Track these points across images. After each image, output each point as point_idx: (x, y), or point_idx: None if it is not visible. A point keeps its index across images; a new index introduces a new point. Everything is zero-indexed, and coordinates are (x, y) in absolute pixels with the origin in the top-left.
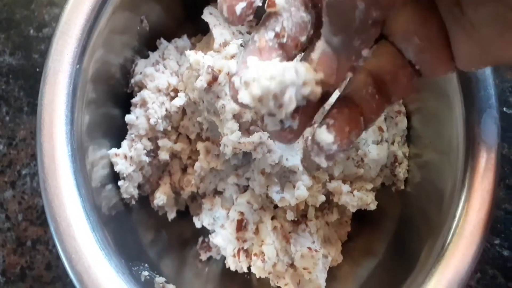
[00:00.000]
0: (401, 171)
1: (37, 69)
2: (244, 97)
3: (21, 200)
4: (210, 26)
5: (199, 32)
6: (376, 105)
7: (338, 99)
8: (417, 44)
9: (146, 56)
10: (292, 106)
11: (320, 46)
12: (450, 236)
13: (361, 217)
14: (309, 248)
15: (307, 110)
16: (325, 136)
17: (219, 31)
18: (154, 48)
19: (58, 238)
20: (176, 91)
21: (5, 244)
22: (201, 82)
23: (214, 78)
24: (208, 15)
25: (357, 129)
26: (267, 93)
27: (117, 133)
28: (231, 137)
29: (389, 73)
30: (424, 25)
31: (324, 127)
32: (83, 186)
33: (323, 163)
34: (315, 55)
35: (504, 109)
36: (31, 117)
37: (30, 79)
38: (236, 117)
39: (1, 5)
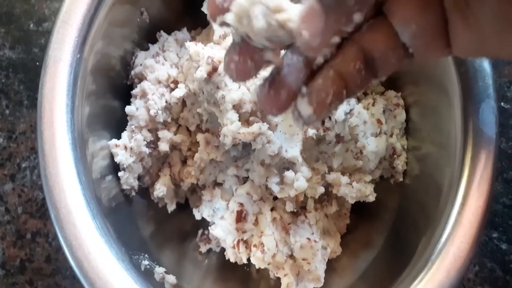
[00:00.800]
0: (400, 164)
1: (37, 63)
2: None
3: (20, 193)
4: None
5: (198, 25)
6: (361, 80)
7: (324, 69)
8: (414, 30)
9: (146, 49)
10: (260, 24)
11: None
12: (448, 227)
13: (360, 209)
14: (308, 239)
15: (291, 71)
16: (305, 108)
17: None
18: (154, 41)
19: (59, 225)
20: (176, 82)
21: (4, 237)
22: (201, 72)
23: (214, 69)
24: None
25: (338, 101)
26: (241, 10)
27: (117, 124)
28: (231, 127)
29: (380, 52)
30: (424, 12)
31: (305, 99)
32: (84, 174)
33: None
34: (299, 7)
35: (502, 104)
36: (31, 110)
37: (30, 73)
38: (236, 107)
39: (1, 0)
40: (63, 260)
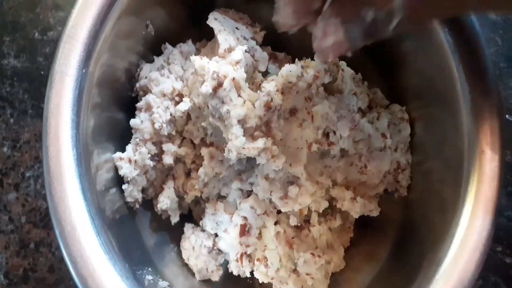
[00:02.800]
0: (404, 178)
1: (42, 72)
2: None
3: (24, 202)
4: (215, 32)
5: (203, 37)
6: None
7: None
8: None
9: (151, 61)
10: None
11: None
12: (453, 244)
13: (363, 223)
14: (312, 254)
15: None
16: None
17: (223, 37)
18: (159, 53)
19: (63, 242)
20: (180, 95)
21: (8, 246)
22: (206, 87)
23: (219, 84)
24: (213, 20)
25: None
26: None
27: (121, 137)
28: (236, 142)
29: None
30: None
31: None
32: (88, 190)
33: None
34: None
35: (507, 116)
36: (35, 119)
37: (35, 82)
38: (241, 122)
39: (7, 8)
40: (66, 270)
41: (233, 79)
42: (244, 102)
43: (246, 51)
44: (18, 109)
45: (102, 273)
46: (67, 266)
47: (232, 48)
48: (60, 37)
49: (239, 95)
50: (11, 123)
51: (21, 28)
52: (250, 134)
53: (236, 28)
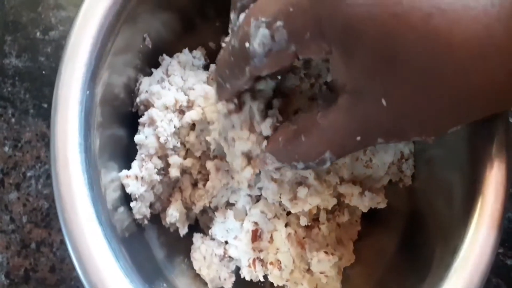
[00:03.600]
0: (408, 167)
1: (43, 72)
2: None
3: (25, 202)
4: None
5: (198, 44)
6: None
7: None
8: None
9: (148, 74)
10: None
11: None
12: (468, 233)
13: (370, 215)
14: (326, 252)
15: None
16: None
17: None
18: (156, 65)
19: (82, 269)
20: (182, 112)
21: (9, 246)
22: (223, 106)
23: (237, 109)
24: None
25: None
26: None
27: (125, 154)
28: (244, 174)
29: None
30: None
31: None
32: (102, 213)
33: None
34: None
35: (511, 119)
36: (36, 119)
37: (36, 82)
38: (245, 155)
39: (8, 8)
40: (68, 270)
41: (250, 107)
42: (248, 136)
43: None
44: (19, 108)
45: None
46: (68, 266)
47: None
48: (61, 59)
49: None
50: (13, 122)
51: (23, 27)
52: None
53: None
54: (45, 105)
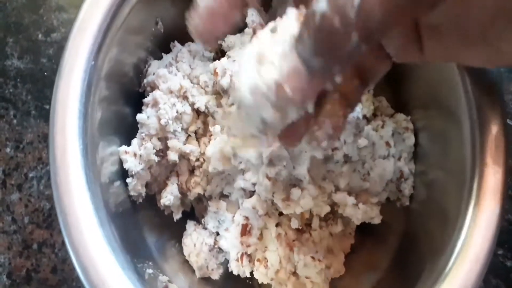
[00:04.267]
0: (407, 188)
1: (45, 73)
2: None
3: (27, 203)
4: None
5: None
6: (358, 93)
7: (327, 95)
8: (399, 45)
9: (159, 57)
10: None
11: (290, 58)
12: (453, 257)
13: (364, 229)
14: (313, 258)
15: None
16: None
17: None
18: (168, 50)
19: (66, 231)
20: (185, 98)
21: (11, 247)
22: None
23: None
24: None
25: (345, 120)
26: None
27: (127, 131)
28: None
29: (371, 64)
30: (406, 32)
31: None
32: (93, 182)
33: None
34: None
35: (508, 121)
36: (38, 120)
37: (38, 83)
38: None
39: (10, 9)
40: (69, 271)
41: None
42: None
43: None
44: (21, 110)
45: (103, 263)
46: (70, 267)
47: None
48: (71, 30)
49: None
50: (14, 124)
51: (25, 29)
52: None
53: None
54: (47, 107)
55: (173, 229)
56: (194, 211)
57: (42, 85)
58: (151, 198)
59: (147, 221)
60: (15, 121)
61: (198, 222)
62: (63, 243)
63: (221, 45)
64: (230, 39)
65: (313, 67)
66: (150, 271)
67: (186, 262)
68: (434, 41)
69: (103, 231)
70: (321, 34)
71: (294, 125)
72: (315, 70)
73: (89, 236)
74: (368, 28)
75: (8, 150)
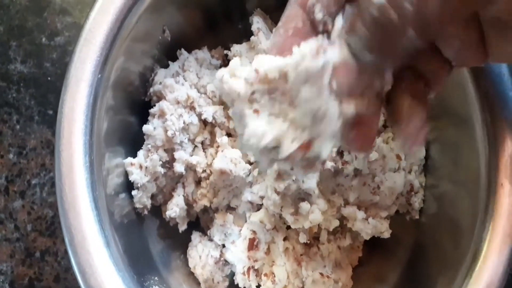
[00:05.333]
0: (417, 201)
1: (49, 78)
2: None
3: (30, 210)
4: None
5: (219, 44)
6: (424, 97)
7: (397, 97)
8: (458, 46)
9: (165, 65)
10: None
11: (340, 51)
12: (467, 278)
13: (373, 242)
14: (321, 274)
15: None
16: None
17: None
18: (174, 58)
19: (72, 251)
20: (192, 108)
21: (13, 255)
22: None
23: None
24: (257, 28)
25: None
26: None
27: (133, 141)
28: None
29: (431, 71)
30: (466, 29)
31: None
32: (99, 199)
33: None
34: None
35: None
36: (41, 126)
37: (42, 88)
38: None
39: (14, 12)
40: (72, 279)
41: None
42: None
43: None
44: (24, 115)
45: (110, 285)
46: (74, 275)
47: None
48: (77, 40)
49: None
50: (17, 129)
51: (28, 32)
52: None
53: None
54: (51, 112)
55: (178, 240)
56: (199, 221)
57: (46, 90)
58: (157, 209)
59: (152, 233)
60: (18, 126)
61: (204, 232)
62: (66, 251)
63: (227, 54)
64: (236, 48)
65: (364, 60)
66: None
67: (191, 274)
68: (500, 39)
69: (109, 252)
70: (376, 26)
71: (362, 128)
72: (366, 64)
73: (96, 256)
74: (425, 21)
75: (11, 156)
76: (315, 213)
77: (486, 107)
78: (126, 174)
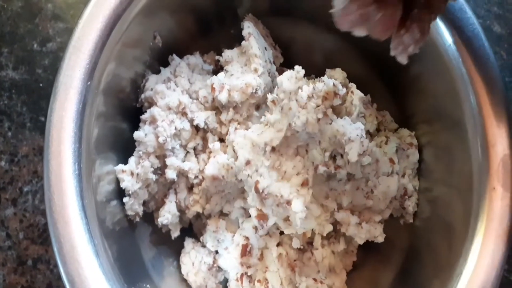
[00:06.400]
0: (411, 205)
1: (41, 84)
2: None
3: (22, 218)
4: (252, 49)
5: (211, 49)
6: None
7: None
8: None
9: (157, 71)
10: None
11: None
12: (461, 281)
13: (367, 247)
14: (315, 279)
15: None
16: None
17: (258, 61)
18: (166, 63)
19: (61, 260)
20: (184, 114)
21: (5, 263)
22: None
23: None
24: (248, 32)
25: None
26: None
27: (124, 148)
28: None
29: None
30: None
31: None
32: (88, 206)
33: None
34: None
35: None
36: (33, 133)
37: (33, 94)
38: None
39: (5, 19)
40: None
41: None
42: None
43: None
44: (16, 122)
45: None
46: (64, 285)
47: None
48: (66, 48)
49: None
50: (9, 136)
51: (20, 39)
52: None
53: (265, 48)
54: (42, 119)
55: (170, 247)
56: (192, 227)
57: (38, 96)
58: (149, 215)
59: (144, 239)
60: (9, 133)
61: (197, 239)
62: None
63: (218, 60)
64: (228, 54)
65: None
66: None
67: (184, 281)
68: None
69: (99, 261)
70: None
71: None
72: None
73: (85, 266)
74: None
75: (2, 163)
76: (308, 218)
77: (478, 111)
78: (117, 181)
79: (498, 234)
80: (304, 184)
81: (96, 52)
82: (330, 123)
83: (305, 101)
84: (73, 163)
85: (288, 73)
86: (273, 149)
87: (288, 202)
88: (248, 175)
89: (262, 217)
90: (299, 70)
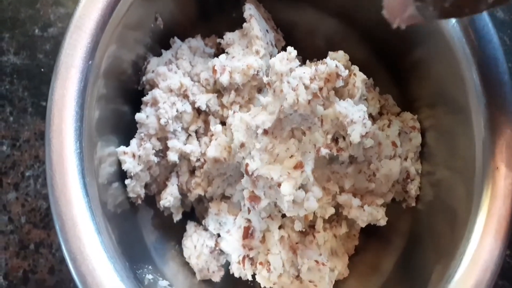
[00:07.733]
0: (413, 188)
1: (42, 69)
2: None
3: (24, 203)
4: (254, 31)
5: (212, 32)
6: None
7: None
8: None
9: (158, 54)
10: None
11: None
12: (463, 262)
13: (369, 231)
14: (316, 261)
15: None
16: None
17: (260, 43)
18: (167, 46)
19: (63, 238)
20: (186, 96)
21: (7, 247)
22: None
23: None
24: (249, 15)
25: None
26: None
27: (126, 130)
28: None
29: None
30: None
31: None
32: (90, 185)
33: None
34: None
35: None
36: (35, 117)
37: (35, 79)
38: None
39: (6, 4)
40: (67, 271)
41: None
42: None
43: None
44: (17, 107)
45: (101, 271)
46: (67, 268)
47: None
48: (67, 27)
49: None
50: (11, 121)
51: (21, 24)
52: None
53: (267, 31)
54: (44, 103)
55: (173, 230)
56: (194, 211)
57: (39, 81)
58: (151, 199)
59: (146, 222)
60: (11, 118)
61: (199, 222)
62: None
63: (220, 43)
64: (229, 36)
65: None
66: (149, 276)
67: (186, 264)
68: None
69: (100, 238)
70: None
71: None
72: None
73: (87, 243)
74: None
75: (4, 148)
76: (310, 201)
77: (482, 92)
78: (119, 163)
79: (501, 213)
80: (297, 166)
81: (98, 31)
82: (322, 104)
83: (296, 82)
84: (75, 142)
85: (280, 54)
86: (266, 131)
87: (279, 185)
88: (243, 157)
89: (254, 198)
90: (291, 51)
